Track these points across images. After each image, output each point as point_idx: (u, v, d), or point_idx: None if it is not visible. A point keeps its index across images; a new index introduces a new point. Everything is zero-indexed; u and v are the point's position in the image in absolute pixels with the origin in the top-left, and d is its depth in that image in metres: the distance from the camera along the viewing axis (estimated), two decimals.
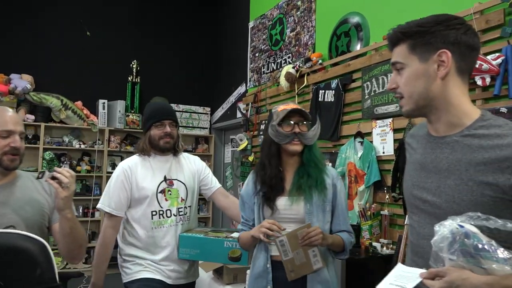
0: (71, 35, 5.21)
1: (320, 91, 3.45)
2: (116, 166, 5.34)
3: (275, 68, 4.32)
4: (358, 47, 3.20)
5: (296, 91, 3.73)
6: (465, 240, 0.93)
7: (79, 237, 1.56)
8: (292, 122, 1.76)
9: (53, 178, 1.49)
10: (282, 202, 1.77)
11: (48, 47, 5.07)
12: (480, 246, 0.92)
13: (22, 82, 4.64)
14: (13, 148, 1.51)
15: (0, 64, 4.71)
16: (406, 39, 1.11)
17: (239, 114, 5.06)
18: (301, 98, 3.73)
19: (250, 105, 4.58)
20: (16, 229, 1.49)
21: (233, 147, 5.60)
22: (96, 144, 5.10)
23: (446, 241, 0.94)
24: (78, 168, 5.03)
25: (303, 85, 3.67)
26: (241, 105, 4.81)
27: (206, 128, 5.82)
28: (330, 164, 3.20)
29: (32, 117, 4.78)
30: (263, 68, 4.55)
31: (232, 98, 5.32)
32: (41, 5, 5.08)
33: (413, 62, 1.11)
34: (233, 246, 2.02)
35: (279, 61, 4.27)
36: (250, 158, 4.49)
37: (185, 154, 2.33)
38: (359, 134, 3.03)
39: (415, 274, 1.01)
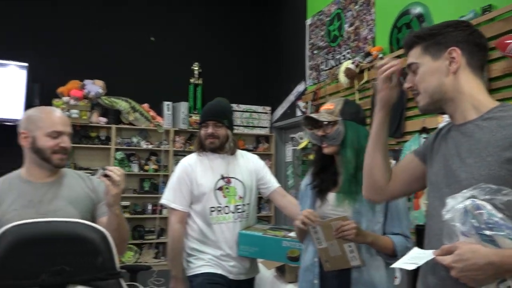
0: (137, 41, 5.49)
1: None
2: None
3: (334, 64, 4.26)
4: None
5: (356, 87, 3.65)
6: (477, 213, 0.94)
7: (125, 233, 1.63)
8: (314, 126, 1.76)
9: (106, 175, 1.58)
10: (331, 197, 1.76)
11: (117, 54, 5.38)
12: (492, 221, 0.93)
13: (94, 87, 4.97)
14: (62, 148, 1.62)
15: (75, 71, 5.07)
16: (419, 42, 1.24)
17: (298, 113, 5.04)
18: (362, 94, 3.64)
19: (309, 103, 4.55)
20: None
21: (294, 146, 5.59)
22: (162, 144, 5.34)
23: (457, 213, 0.97)
24: (146, 167, 5.29)
25: (363, 81, 3.58)
26: (301, 103, 4.79)
27: (267, 127, 5.87)
28: (394, 161, 3.09)
29: (104, 119, 5.10)
30: (322, 65, 4.50)
31: (291, 97, 5.31)
32: (110, 16, 5.42)
33: (427, 61, 1.22)
34: (292, 245, 2.02)
35: (337, 57, 4.20)
36: (311, 157, 4.45)
37: (243, 153, 2.37)
38: (424, 130, 2.89)
39: (428, 253, 1.04)
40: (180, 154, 5.55)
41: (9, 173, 1.72)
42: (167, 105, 5.40)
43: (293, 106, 5.28)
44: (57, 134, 1.62)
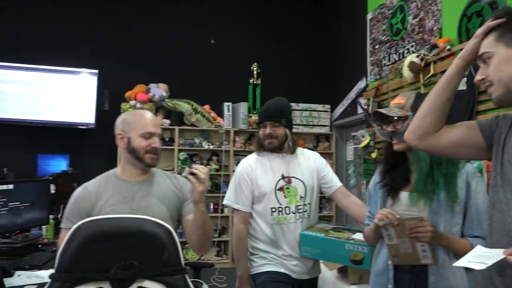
0: (198, 44, 5.64)
1: None
2: None
3: (396, 59, 4.09)
4: None
5: (422, 82, 3.48)
6: None
7: (209, 230, 1.71)
8: (383, 121, 1.69)
9: (192, 174, 1.64)
10: (405, 196, 1.67)
11: (179, 58, 5.56)
12: None
13: (159, 90, 5.16)
14: (154, 149, 1.73)
15: (141, 75, 5.31)
16: (492, 30, 1.18)
17: (359, 110, 4.91)
18: (428, 89, 3.46)
19: (371, 100, 4.41)
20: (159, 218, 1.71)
21: (355, 144, 5.45)
22: (223, 145, 5.43)
23: None
24: (208, 167, 5.40)
25: (429, 75, 3.40)
26: (362, 101, 4.66)
27: (327, 125, 5.78)
28: None
29: (168, 121, 5.28)
30: (384, 60, 4.34)
31: (352, 94, 5.18)
32: (171, 21, 5.61)
33: (500, 48, 1.16)
34: (355, 249, 1.96)
35: (401, 51, 4.03)
36: (373, 155, 4.32)
37: (304, 151, 2.32)
38: None
39: (498, 252, 0.97)
40: (240, 154, 5.62)
41: (106, 171, 1.86)
42: (227, 106, 5.49)
43: (353, 104, 5.15)
44: (149, 135, 1.73)
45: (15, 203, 2.83)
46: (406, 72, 3.59)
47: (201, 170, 1.65)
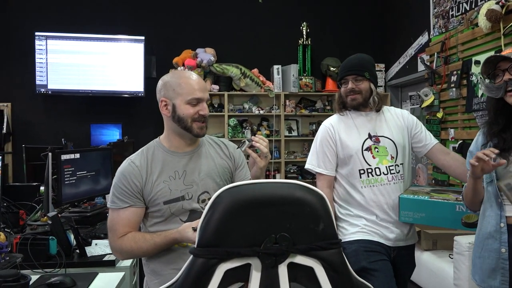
0: (244, 5, 5.40)
1: None
2: (293, 130, 5.46)
3: (468, 8, 3.74)
4: None
5: (502, 31, 3.15)
6: None
7: None
8: (499, 71, 1.52)
9: (251, 147, 1.47)
10: None
11: (225, 20, 5.36)
12: None
13: (206, 55, 5.01)
14: (202, 116, 1.52)
15: (187, 41, 5.16)
16: None
17: (420, 68, 4.59)
18: (509, 39, 3.14)
19: (436, 56, 4.09)
20: (210, 194, 1.55)
21: (412, 105, 5.16)
22: (273, 109, 5.27)
23: None
24: (259, 133, 5.27)
25: (511, 24, 3.07)
26: (425, 57, 4.34)
27: (381, 86, 5.48)
28: None
29: (217, 87, 5.15)
30: (452, 11, 3.98)
31: (411, 51, 4.85)
32: None
33: None
34: (467, 210, 1.79)
35: None
36: (439, 115, 4.04)
37: (391, 108, 2.14)
38: None
39: None
40: (291, 119, 5.46)
41: (150, 141, 1.67)
42: (276, 69, 5.28)
43: (412, 61, 4.83)
44: (196, 101, 1.52)
45: (82, 172, 2.81)
46: (483, 22, 3.26)
47: (262, 143, 1.49)
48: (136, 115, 5.22)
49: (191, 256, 0.77)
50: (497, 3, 3.16)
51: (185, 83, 1.52)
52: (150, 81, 5.06)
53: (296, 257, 0.77)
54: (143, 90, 5.03)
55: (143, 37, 5.01)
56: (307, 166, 2.08)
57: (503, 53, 1.54)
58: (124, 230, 1.51)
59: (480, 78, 1.62)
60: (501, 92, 1.53)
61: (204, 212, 0.77)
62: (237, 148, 1.68)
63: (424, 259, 3.27)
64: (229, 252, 0.75)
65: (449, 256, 3.11)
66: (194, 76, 1.56)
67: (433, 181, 4.07)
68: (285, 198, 0.76)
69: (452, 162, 1.99)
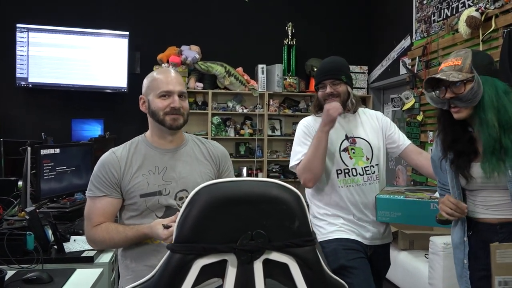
0: (230, 4, 5.40)
1: None
2: (276, 129, 5.48)
3: (449, 14, 3.82)
4: None
5: (481, 38, 3.23)
6: None
7: None
8: (441, 88, 1.51)
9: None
10: (476, 170, 1.53)
11: (211, 18, 5.36)
12: None
13: (191, 52, 5.00)
14: (172, 109, 1.53)
15: (172, 38, 5.14)
16: None
17: (402, 71, 4.67)
18: (487, 45, 3.22)
19: (417, 60, 4.17)
20: (189, 193, 1.56)
21: (394, 107, 5.24)
22: (256, 108, 5.29)
23: None
24: (242, 131, 5.29)
25: (490, 30, 3.15)
26: (406, 60, 4.42)
27: (364, 88, 5.55)
28: None
29: (201, 85, 5.14)
30: (434, 16, 4.06)
31: (393, 54, 4.93)
32: None
33: None
34: None
35: (454, 5, 3.75)
36: (419, 118, 4.12)
37: (366, 110, 2.18)
38: None
39: None
40: (274, 118, 5.48)
41: (136, 136, 1.69)
42: (261, 68, 5.30)
43: (394, 64, 4.91)
44: (166, 95, 1.54)
45: (62, 167, 2.77)
46: (463, 28, 3.34)
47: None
48: (119, 111, 5.17)
49: (168, 252, 0.78)
50: (477, 10, 3.24)
51: (158, 78, 1.57)
52: (134, 77, 5.03)
53: (271, 253, 0.79)
54: (127, 86, 4.99)
55: (127, 33, 4.97)
56: (291, 164, 2.07)
57: (440, 75, 1.51)
58: (99, 219, 1.53)
59: (425, 90, 1.62)
60: (445, 106, 1.53)
61: (182, 208, 0.78)
62: (212, 142, 1.71)
63: (401, 258, 3.34)
64: (205, 248, 0.76)
65: (425, 256, 3.18)
66: (168, 72, 1.60)
67: (412, 182, 4.15)
68: (262, 196, 0.78)
69: (424, 162, 2.03)
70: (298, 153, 2.02)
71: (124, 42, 4.97)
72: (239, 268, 0.79)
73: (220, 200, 0.77)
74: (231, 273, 0.78)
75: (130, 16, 5.13)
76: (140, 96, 1.61)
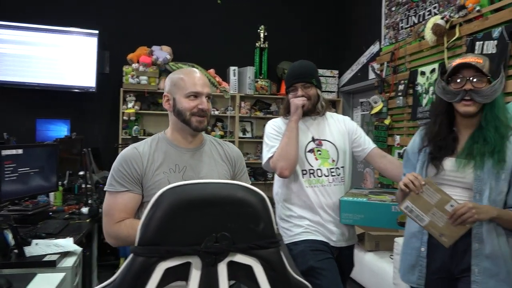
0: (203, 5, 5.38)
1: (477, 42, 3.03)
2: (247, 131, 5.48)
3: (416, 21, 3.93)
4: None
5: (446, 45, 3.34)
6: None
7: None
8: (461, 77, 1.55)
9: None
10: (449, 163, 1.60)
11: (183, 19, 5.32)
12: None
13: (162, 53, 4.94)
14: (200, 110, 1.54)
15: (143, 37, 5.07)
16: None
17: (371, 76, 4.77)
18: (451, 53, 3.33)
19: (385, 65, 4.27)
20: None
21: (363, 111, 5.35)
22: (228, 110, 5.28)
23: None
24: (213, 133, 5.27)
25: (454, 38, 3.26)
26: (375, 65, 4.52)
27: (334, 91, 5.63)
28: None
29: None
30: (401, 23, 4.17)
31: (363, 59, 5.03)
32: None
33: None
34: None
35: (421, 13, 3.86)
36: (387, 122, 4.21)
37: (333, 114, 2.22)
38: None
39: None
40: (245, 120, 5.49)
41: (157, 133, 1.69)
42: (233, 70, 5.30)
43: (364, 69, 5.01)
44: (195, 96, 1.55)
45: (25, 168, 2.68)
46: (429, 35, 3.44)
47: None
48: (87, 111, 5.06)
49: (131, 255, 0.77)
50: (442, 18, 3.34)
51: (185, 79, 1.57)
52: (103, 76, 4.93)
53: (235, 255, 0.79)
54: (95, 86, 4.88)
55: (97, 31, 4.87)
56: (265, 159, 2.06)
57: (467, 60, 1.57)
58: (120, 215, 1.49)
59: (437, 78, 1.66)
60: (457, 97, 1.57)
61: (146, 210, 0.77)
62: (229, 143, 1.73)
63: (367, 259, 3.40)
64: (169, 251, 0.75)
65: (390, 257, 3.25)
66: (195, 72, 1.61)
67: (379, 185, 4.23)
68: (227, 198, 0.78)
69: (388, 165, 2.08)
70: (271, 147, 2.04)
71: (93, 41, 4.86)
72: (203, 270, 0.78)
73: (184, 202, 0.76)
74: (195, 275, 0.78)
75: (100, 15, 5.03)
76: (164, 94, 1.62)
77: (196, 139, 1.62)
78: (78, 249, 2.20)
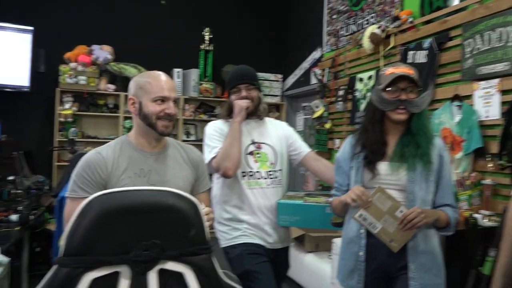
0: (147, 5, 5.27)
1: (409, 52, 3.21)
2: (191, 134, 5.43)
3: (355, 30, 4.10)
4: (457, 0, 2.91)
5: (382, 53, 3.51)
6: None
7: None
8: (397, 88, 1.65)
9: None
10: (383, 167, 1.69)
11: (125, 17, 5.17)
12: None
13: (103, 52, 4.78)
14: (167, 115, 1.53)
15: (82, 35, 4.88)
16: None
17: (313, 81, 4.90)
18: (387, 61, 3.50)
19: (327, 71, 4.41)
20: None
21: (306, 115, 5.47)
22: None
23: None
24: None
25: (390, 47, 3.43)
26: (317, 71, 4.65)
27: (278, 95, 5.72)
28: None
29: (113, 86, 4.94)
30: (342, 30, 4.33)
31: (306, 64, 5.16)
32: None
33: None
34: None
35: (360, 22, 4.03)
36: (327, 126, 4.35)
37: (272, 120, 2.28)
38: (456, 98, 2.78)
39: None
40: (189, 123, 5.44)
41: (119, 136, 1.67)
42: (177, 72, 5.23)
43: (306, 74, 5.14)
44: (162, 100, 1.53)
45: None
46: (367, 43, 3.60)
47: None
48: (20, 111, 4.77)
49: (55, 266, 0.74)
50: (379, 27, 3.51)
51: (153, 82, 1.55)
52: (38, 75, 4.69)
53: (166, 263, 0.78)
54: (29, 85, 4.62)
55: (31, 28, 4.61)
56: (207, 159, 2.02)
57: (402, 71, 1.65)
58: None
59: (374, 87, 1.75)
60: (391, 107, 1.66)
61: (72, 220, 0.74)
62: (191, 147, 1.71)
63: (307, 260, 3.49)
64: (96, 261, 0.73)
65: (328, 257, 3.35)
66: (162, 76, 1.59)
67: (320, 187, 4.35)
68: (156, 205, 0.77)
69: (322, 168, 2.16)
70: (214, 148, 2.04)
71: (27, 38, 4.60)
72: (132, 279, 0.77)
73: (112, 211, 0.74)
74: (124, 285, 0.76)
75: (35, 10, 4.77)
76: (130, 96, 1.58)
77: (160, 143, 1.61)
78: (5, 259, 2.08)
